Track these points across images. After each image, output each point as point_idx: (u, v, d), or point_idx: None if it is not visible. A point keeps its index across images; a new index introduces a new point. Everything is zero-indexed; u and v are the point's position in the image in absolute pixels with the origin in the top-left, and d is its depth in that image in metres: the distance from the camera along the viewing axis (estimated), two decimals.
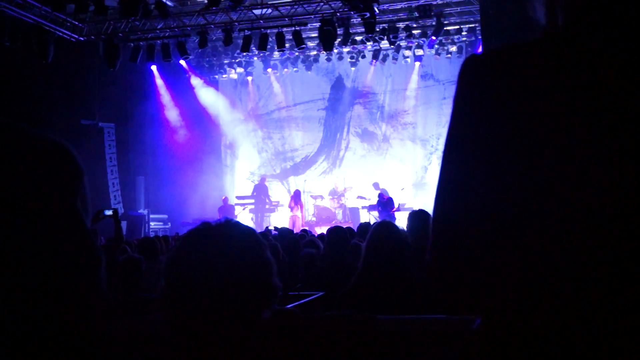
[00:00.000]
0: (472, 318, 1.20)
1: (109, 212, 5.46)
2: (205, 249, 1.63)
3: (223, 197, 18.73)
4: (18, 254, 0.94)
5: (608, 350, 1.03)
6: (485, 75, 1.15)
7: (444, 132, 17.17)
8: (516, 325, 1.10)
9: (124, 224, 11.34)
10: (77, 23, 15.38)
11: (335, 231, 5.60)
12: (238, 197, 19.23)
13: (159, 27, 15.83)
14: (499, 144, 1.11)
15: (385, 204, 16.02)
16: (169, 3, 14.11)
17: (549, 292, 1.07)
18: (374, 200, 17.19)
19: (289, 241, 6.76)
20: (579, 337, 1.04)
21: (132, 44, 15.92)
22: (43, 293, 0.97)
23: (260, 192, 18.60)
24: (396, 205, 16.58)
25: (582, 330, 1.04)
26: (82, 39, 15.71)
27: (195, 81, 20.28)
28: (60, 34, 14.82)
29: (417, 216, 5.20)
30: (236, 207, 18.62)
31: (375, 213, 16.78)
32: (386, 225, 3.89)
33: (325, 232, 11.77)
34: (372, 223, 12.39)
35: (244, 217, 18.10)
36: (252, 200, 18.51)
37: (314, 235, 9.45)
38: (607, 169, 1.05)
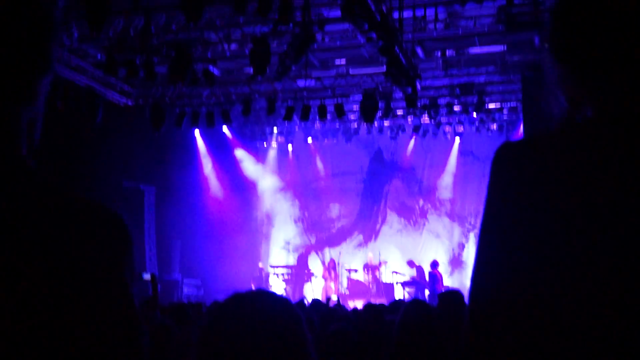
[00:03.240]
0: None
1: (147, 277, 5.47)
2: (238, 322, 1.56)
3: (259, 266, 18.72)
4: (62, 323, 0.92)
5: None
6: (518, 164, 1.21)
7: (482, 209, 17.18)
8: None
9: (158, 287, 11.33)
10: (126, 87, 15.87)
11: (371, 308, 5.50)
12: (272, 266, 19.16)
13: (204, 94, 16.25)
14: (533, 229, 1.16)
15: (435, 278, 15.75)
16: (215, 72, 14.50)
17: None
18: (409, 277, 16.94)
19: (324, 314, 6.64)
20: None
21: (177, 109, 16.32)
22: None
23: (301, 263, 18.61)
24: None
25: None
26: (130, 103, 16.19)
27: (237, 148, 20.61)
28: (110, 97, 15.30)
29: (445, 297, 5.05)
30: (271, 276, 18.53)
31: (411, 289, 16.50)
32: (418, 305, 3.84)
33: (357, 307, 11.58)
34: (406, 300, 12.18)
35: (279, 286, 18.00)
36: (288, 270, 18.46)
37: (346, 309, 9.29)
38: None
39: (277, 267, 18.91)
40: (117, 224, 1.04)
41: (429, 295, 15.38)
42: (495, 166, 1.25)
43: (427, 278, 16.30)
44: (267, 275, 18.29)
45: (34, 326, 0.90)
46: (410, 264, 17.55)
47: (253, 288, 14.60)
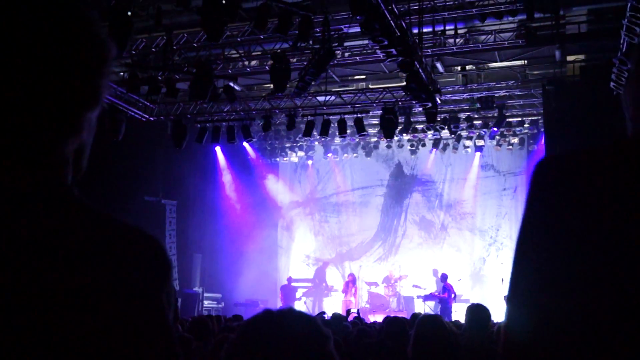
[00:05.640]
0: None
1: None
2: (267, 339, 1.58)
3: (287, 277, 18.75)
4: (100, 346, 0.94)
5: None
6: (562, 182, 1.10)
7: (503, 223, 16.81)
8: None
9: (178, 302, 11.40)
10: (148, 104, 16.06)
11: (393, 322, 5.48)
12: (292, 280, 19.17)
13: (225, 109, 16.38)
14: (576, 254, 1.06)
15: (447, 289, 15.65)
16: (236, 88, 14.63)
17: None
18: (429, 290, 16.83)
19: (343, 329, 6.64)
20: None
21: (199, 125, 16.46)
22: None
23: (319, 276, 18.57)
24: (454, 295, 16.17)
25: None
26: (152, 119, 16.37)
27: (257, 163, 20.71)
28: (132, 113, 15.49)
29: (475, 310, 5.09)
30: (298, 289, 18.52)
31: (431, 303, 16.40)
32: (431, 320, 3.83)
33: (377, 320, 11.51)
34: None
35: (299, 300, 18.02)
36: (309, 284, 18.43)
37: (366, 323, 9.27)
38: None
39: (297, 280, 18.89)
40: (156, 251, 1.05)
41: (440, 308, 15.34)
42: (536, 183, 1.13)
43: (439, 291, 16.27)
44: (295, 288, 18.25)
45: (72, 349, 0.91)
46: (435, 272, 17.47)
47: (280, 297, 14.34)
